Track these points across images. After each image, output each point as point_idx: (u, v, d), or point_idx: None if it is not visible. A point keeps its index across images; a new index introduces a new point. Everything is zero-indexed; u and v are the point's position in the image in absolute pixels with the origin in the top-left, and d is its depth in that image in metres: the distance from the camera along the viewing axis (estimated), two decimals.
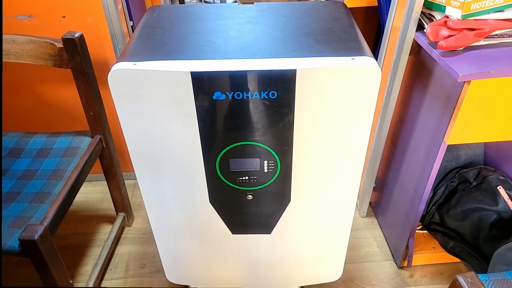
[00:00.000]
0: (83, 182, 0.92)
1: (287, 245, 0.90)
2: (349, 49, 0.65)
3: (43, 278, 0.78)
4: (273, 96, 0.64)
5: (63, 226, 1.22)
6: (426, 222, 1.10)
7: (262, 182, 0.77)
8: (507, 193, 0.98)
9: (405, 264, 1.09)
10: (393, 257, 1.13)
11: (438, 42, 0.75)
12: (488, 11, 0.75)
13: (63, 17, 1.03)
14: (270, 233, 0.87)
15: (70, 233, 1.21)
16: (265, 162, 0.74)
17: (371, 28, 1.43)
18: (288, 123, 0.68)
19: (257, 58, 0.63)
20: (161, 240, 0.91)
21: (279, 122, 0.67)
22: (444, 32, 0.75)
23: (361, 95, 0.65)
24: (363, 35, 0.72)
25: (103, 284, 1.07)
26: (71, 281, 0.83)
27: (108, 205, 1.29)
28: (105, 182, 1.14)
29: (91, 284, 1.00)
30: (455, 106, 0.76)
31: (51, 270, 0.76)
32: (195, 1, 2.67)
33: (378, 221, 1.24)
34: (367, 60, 0.62)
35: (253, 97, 0.64)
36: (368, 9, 1.35)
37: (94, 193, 1.34)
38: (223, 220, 0.84)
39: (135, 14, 1.17)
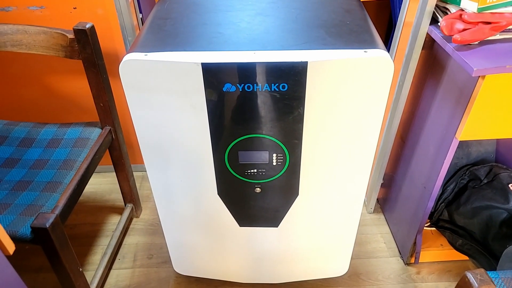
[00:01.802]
0: (93, 172, 0.93)
1: (294, 239, 0.90)
2: (361, 41, 0.65)
3: (54, 265, 0.79)
4: (283, 89, 0.64)
5: (72, 216, 1.24)
6: (435, 219, 1.09)
7: (270, 175, 0.77)
8: None
9: (412, 260, 1.09)
10: (400, 254, 1.12)
11: (452, 35, 0.73)
12: (505, 4, 0.74)
13: (74, 8, 1.04)
14: (277, 227, 0.87)
15: (80, 223, 1.22)
16: (274, 155, 0.73)
17: (382, 22, 1.41)
18: (298, 116, 0.67)
19: (268, 50, 0.63)
20: (169, 231, 0.92)
21: (289, 115, 0.67)
22: (459, 25, 0.73)
23: (373, 88, 0.64)
24: None
25: (112, 273, 1.09)
26: (81, 269, 0.84)
27: (116, 196, 1.30)
28: (113, 174, 1.15)
29: (100, 273, 1.01)
30: (468, 101, 0.75)
31: (62, 258, 0.77)
32: None
33: (385, 217, 1.23)
34: (380, 53, 0.61)
35: (263, 90, 0.64)
36: (379, 3, 1.33)
37: (103, 184, 1.36)
38: (230, 212, 0.85)
39: (144, 7, 1.17)
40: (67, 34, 0.87)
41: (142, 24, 1.14)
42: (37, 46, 0.91)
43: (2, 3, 1.02)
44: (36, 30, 0.89)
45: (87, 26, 0.84)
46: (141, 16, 1.15)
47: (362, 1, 0.84)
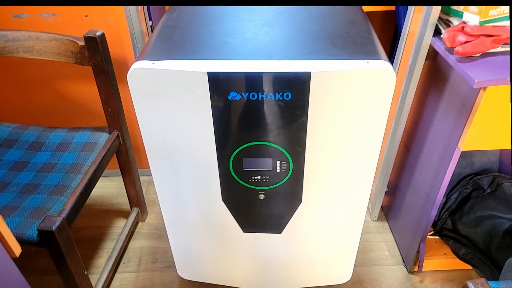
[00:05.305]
0: (100, 177, 0.94)
1: (297, 246, 0.91)
2: (364, 52, 0.66)
3: (59, 268, 0.80)
4: (287, 98, 0.65)
5: (79, 219, 1.26)
6: (438, 228, 1.09)
7: (274, 182, 0.78)
8: None
9: (416, 269, 1.09)
10: (404, 262, 1.12)
11: (454, 47, 0.74)
12: (506, 18, 0.74)
13: (85, 16, 1.06)
14: (280, 233, 0.88)
15: (86, 226, 1.24)
16: (278, 162, 0.75)
17: (388, 32, 1.42)
18: (301, 125, 0.68)
19: (273, 60, 0.65)
20: (173, 236, 0.93)
21: (292, 123, 0.68)
22: (461, 38, 0.74)
23: (375, 99, 0.65)
24: (379, 39, 0.73)
25: (116, 276, 1.10)
26: (85, 272, 0.86)
27: (123, 200, 1.32)
28: (120, 178, 1.16)
29: (104, 276, 1.02)
30: (470, 112, 0.76)
31: (67, 261, 0.79)
32: None
33: (389, 225, 1.23)
34: (382, 64, 0.62)
35: (267, 98, 0.65)
36: (385, 14, 1.35)
37: (109, 188, 1.38)
38: (234, 218, 0.86)
39: (154, 14, 1.20)
40: (78, 41, 0.89)
41: (152, 32, 1.17)
42: (48, 52, 0.93)
43: (16, 10, 1.05)
44: (48, 36, 0.91)
45: (98, 33, 0.87)
46: (150, 24, 1.17)
47: (368, 12, 0.85)
